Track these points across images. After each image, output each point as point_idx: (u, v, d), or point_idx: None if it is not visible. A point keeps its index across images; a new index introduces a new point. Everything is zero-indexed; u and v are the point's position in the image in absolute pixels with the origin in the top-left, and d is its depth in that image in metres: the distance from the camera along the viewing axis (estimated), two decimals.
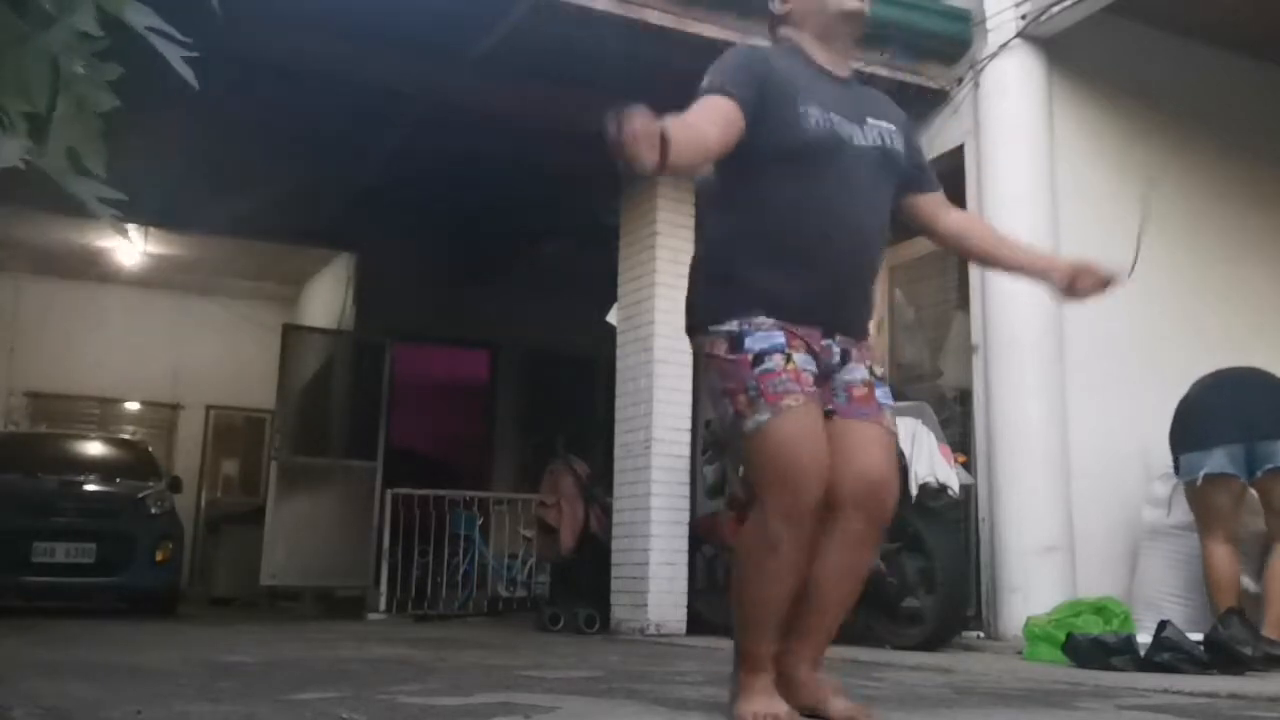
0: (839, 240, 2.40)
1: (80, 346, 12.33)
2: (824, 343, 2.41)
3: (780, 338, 2.32)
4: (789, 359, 2.30)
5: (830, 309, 2.42)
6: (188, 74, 1.54)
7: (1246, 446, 4.51)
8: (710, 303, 2.42)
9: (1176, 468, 4.78)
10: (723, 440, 2.42)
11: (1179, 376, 5.59)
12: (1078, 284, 2.52)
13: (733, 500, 5.72)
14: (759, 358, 2.30)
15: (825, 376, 2.41)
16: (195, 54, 1.56)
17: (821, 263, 2.39)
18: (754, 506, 2.36)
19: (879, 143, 2.49)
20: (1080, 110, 5.69)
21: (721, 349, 2.35)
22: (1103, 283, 2.54)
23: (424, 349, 10.75)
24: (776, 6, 2.58)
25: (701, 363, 2.46)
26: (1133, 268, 2.62)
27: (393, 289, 10.05)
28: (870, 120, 2.51)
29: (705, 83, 2.38)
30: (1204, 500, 4.60)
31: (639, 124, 1.96)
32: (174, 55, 1.53)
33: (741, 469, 2.40)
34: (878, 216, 2.51)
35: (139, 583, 8.29)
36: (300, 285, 12.98)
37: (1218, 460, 4.52)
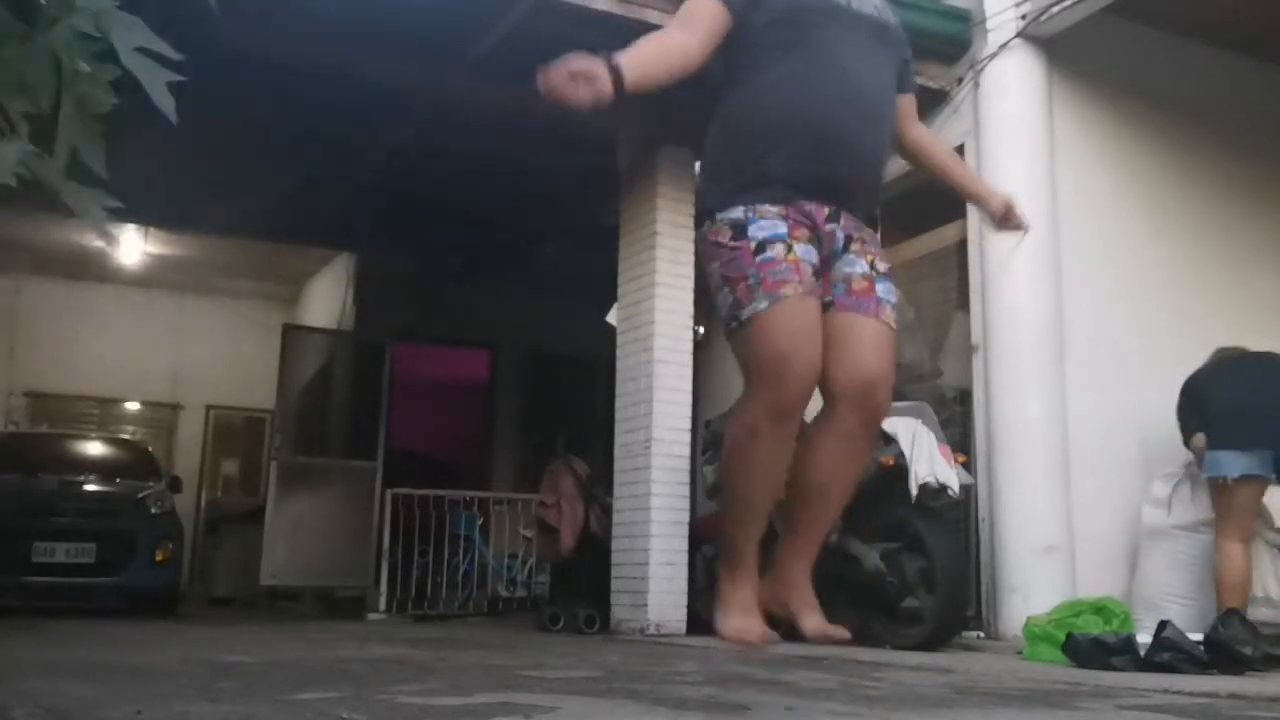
0: (841, 103, 2.39)
1: (80, 346, 12.33)
2: (828, 227, 2.40)
3: (783, 227, 2.33)
4: (790, 249, 2.31)
5: (834, 181, 2.40)
6: (169, 108, 1.53)
7: (1276, 452, 4.55)
8: (717, 188, 2.43)
9: (1187, 443, 4.78)
10: (723, 332, 2.46)
11: (1179, 376, 5.60)
12: (1008, 218, 2.76)
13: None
14: (761, 246, 2.30)
15: (826, 263, 2.40)
16: (182, 78, 1.55)
17: (826, 130, 2.37)
18: (741, 399, 2.38)
19: (874, 13, 2.52)
20: (1080, 110, 5.69)
21: (725, 236, 2.36)
22: (1020, 224, 2.78)
23: (424, 349, 10.76)
24: None
25: (703, 251, 2.46)
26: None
27: (393, 289, 10.05)
28: None
29: None
30: (1230, 498, 4.61)
31: (569, 65, 2.00)
32: (157, 85, 1.52)
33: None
34: (881, 82, 2.50)
35: (139, 583, 8.29)
36: (300, 285, 12.98)
37: (1255, 462, 4.54)
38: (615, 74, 2.05)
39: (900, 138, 2.72)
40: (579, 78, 2.01)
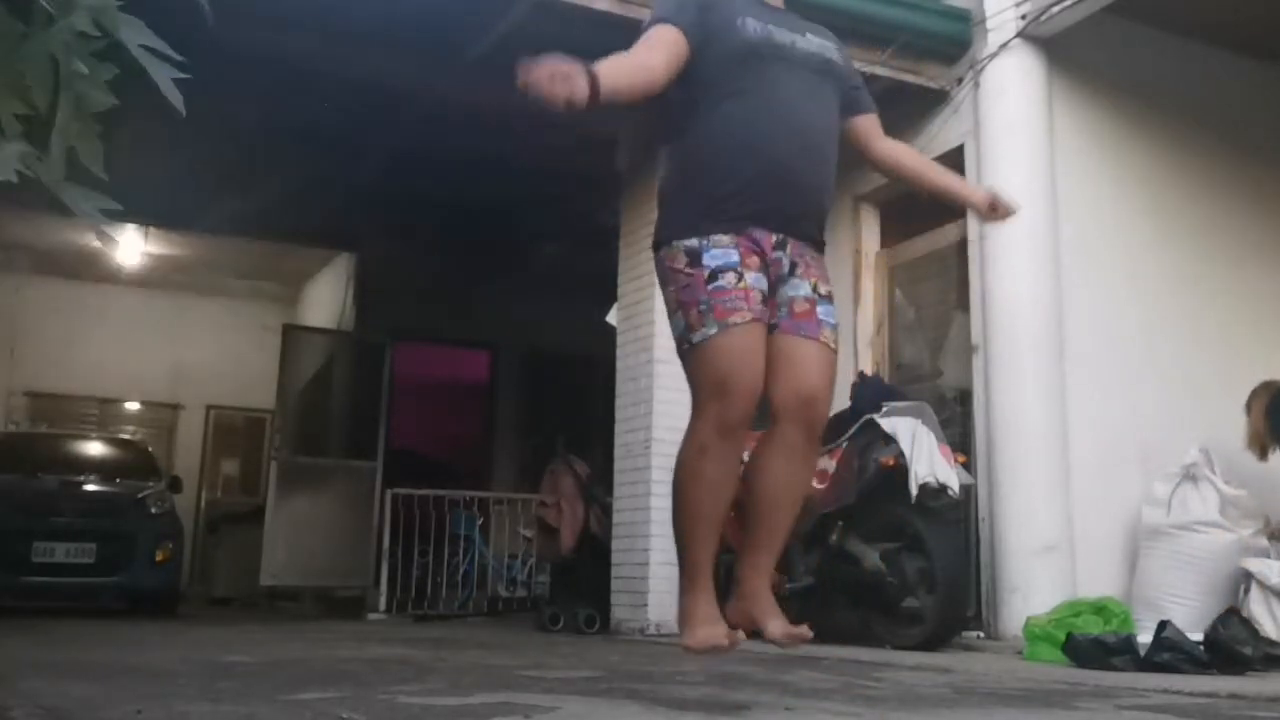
0: (787, 140, 2.56)
1: (80, 346, 12.33)
2: (775, 254, 2.56)
3: (735, 255, 2.48)
4: (741, 278, 2.47)
5: (782, 211, 2.56)
6: (176, 100, 1.54)
7: None
8: (673, 217, 2.58)
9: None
10: (677, 351, 2.60)
11: (1179, 376, 5.61)
12: (995, 208, 2.87)
13: (732, 500, 5.71)
14: (713, 274, 2.46)
15: (773, 288, 2.56)
16: (186, 75, 1.56)
17: (772, 164, 2.53)
18: (691, 418, 2.55)
19: (819, 52, 2.69)
20: (1080, 110, 5.69)
21: (681, 262, 2.52)
22: (1007, 211, 2.89)
23: (424, 349, 10.75)
24: None
25: (660, 274, 2.61)
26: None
27: (393, 289, 10.05)
28: (809, 35, 2.71)
29: (651, 15, 2.61)
30: None
31: (549, 65, 2.11)
32: (164, 78, 1.53)
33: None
34: (825, 119, 2.68)
35: (139, 583, 8.29)
36: (300, 285, 12.98)
37: None
38: (591, 80, 2.17)
39: (869, 154, 2.89)
40: (558, 76, 2.11)
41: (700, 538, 2.53)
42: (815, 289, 2.60)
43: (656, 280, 2.65)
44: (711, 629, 2.43)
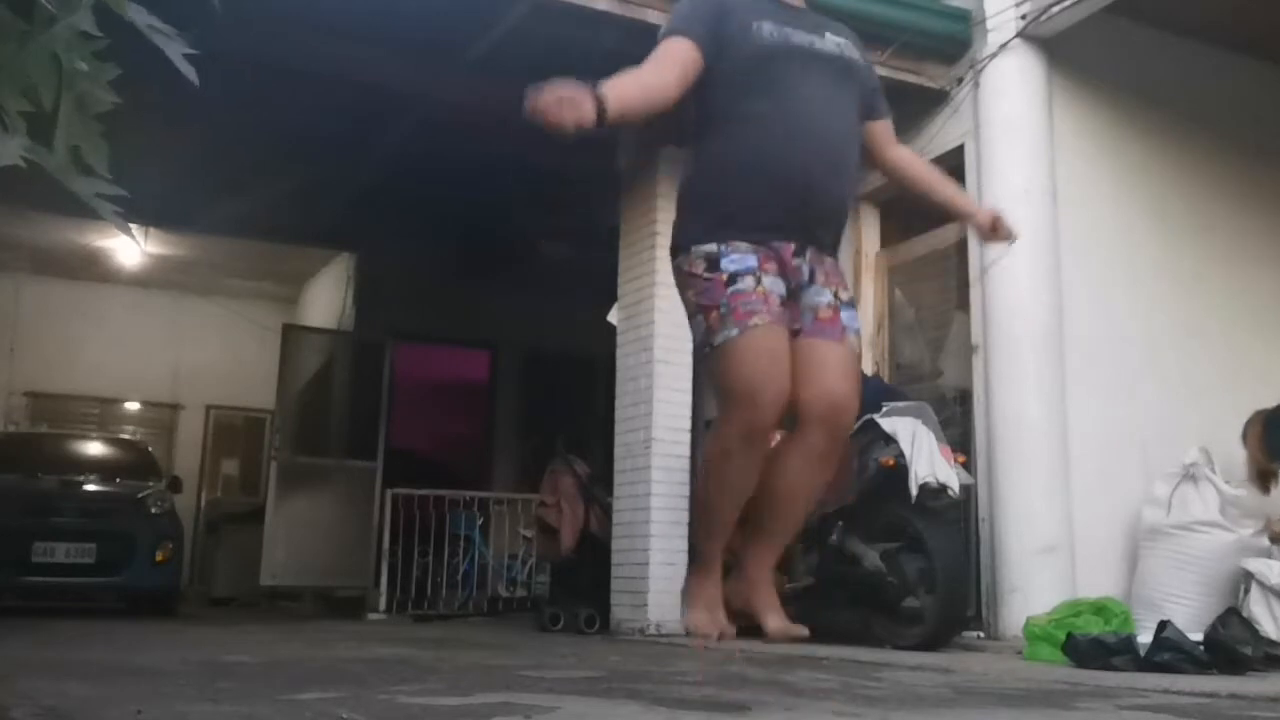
0: (807, 148, 2.55)
1: (80, 346, 12.33)
2: (795, 262, 2.57)
3: (753, 260, 2.49)
4: (759, 281, 2.47)
5: (801, 221, 2.57)
6: (189, 72, 1.55)
7: None
8: (692, 224, 2.61)
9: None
10: (695, 357, 2.66)
11: (1179, 376, 5.61)
12: (994, 229, 2.85)
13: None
14: (732, 278, 2.47)
15: (794, 295, 2.56)
16: (195, 52, 1.57)
17: (792, 170, 2.53)
18: (715, 420, 2.56)
19: (838, 52, 2.66)
20: (1080, 110, 5.69)
21: (700, 268, 2.53)
22: (1007, 235, 2.88)
23: (424, 349, 10.76)
24: None
25: (678, 281, 2.63)
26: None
27: (393, 289, 10.05)
28: (829, 34, 2.68)
29: (664, 26, 2.60)
30: None
31: (556, 91, 2.15)
32: (175, 53, 1.54)
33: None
34: (845, 123, 2.66)
35: (139, 583, 8.29)
36: (300, 285, 12.98)
37: None
38: (599, 102, 2.20)
39: (879, 161, 2.88)
40: (565, 102, 2.15)
41: (715, 531, 2.59)
42: (836, 295, 2.62)
43: (674, 285, 2.66)
44: (709, 615, 2.51)
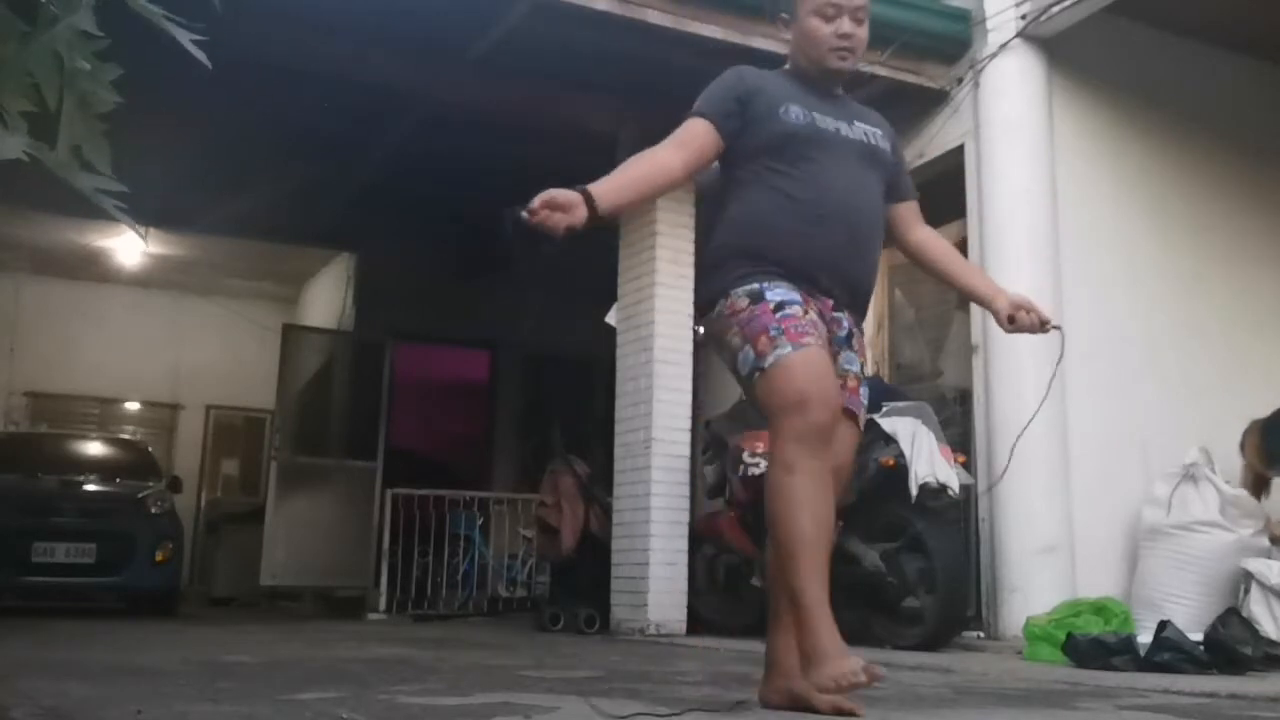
0: (835, 220, 2.54)
1: (80, 346, 12.32)
2: (835, 314, 2.57)
3: (797, 294, 2.48)
4: (807, 311, 2.46)
5: (833, 286, 2.56)
6: (200, 55, 1.55)
7: None
8: (728, 272, 2.55)
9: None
10: (740, 385, 2.53)
11: (1179, 376, 5.61)
12: (1018, 318, 2.73)
13: (732, 500, 5.72)
14: (780, 305, 2.44)
15: (833, 348, 2.55)
16: (204, 38, 1.57)
17: (820, 242, 2.52)
18: (772, 442, 2.42)
19: (864, 139, 2.67)
20: (1080, 110, 5.69)
21: (743, 304, 2.48)
22: (1040, 323, 2.75)
23: (424, 349, 10.75)
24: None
25: (718, 329, 2.55)
26: (1059, 328, 2.85)
27: (393, 289, 10.05)
28: (857, 122, 2.68)
29: (695, 105, 2.62)
30: None
31: (548, 197, 2.21)
32: (185, 38, 1.54)
33: (756, 406, 2.53)
34: (872, 200, 2.65)
35: (139, 583, 8.29)
36: (300, 285, 12.97)
37: None
38: (589, 201, 2.26)
39: (903, 243, 2.86)
40: (557, 207, 2.22)
41: (806, 567, 2.29)
42: (863, 368, 2.64)
43: (709, 341, 2.60)
44: (845, 664, 2.22)
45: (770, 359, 2.38)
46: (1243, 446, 5.28)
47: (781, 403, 2.37)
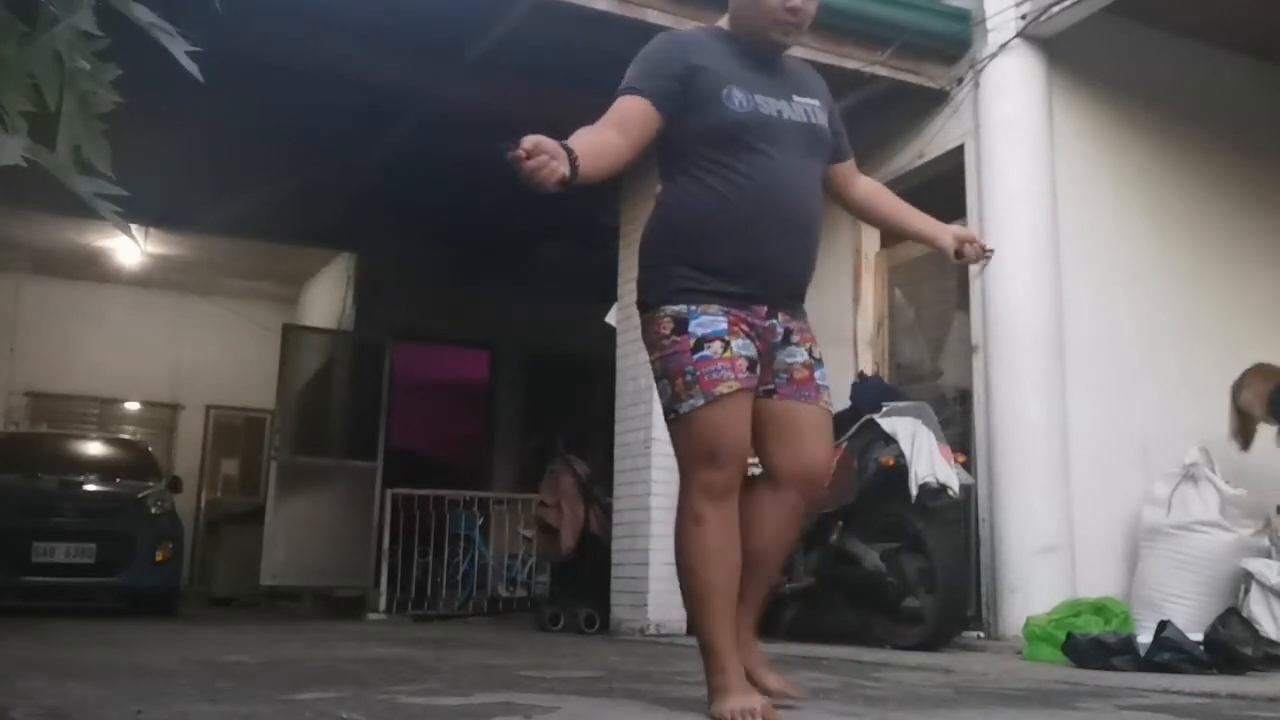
0: (776, 218, 2.51)
1: (80, 346, 12.33)
2: (768, 323, 2.54)
3: (723, 323, 2.44)
4: (727, 346, 2.43)
5: (770, 288, 2.54)
6: (193, 68, 1.55)
7: None
8: (658, 282, 2.52)
9: None
10: (664, 419, 2.57)
11: (1179, 376, 5.61)
12: (964, 250, 2.81)
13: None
14: (699, 343, 2.42)
15: (766, 356, 2.53)
16: (199, 49, 1.57)
17: (760, 241, 2.49)
18: (680, 490, 2.54)
19: (805, 119, 2.60)
20: (1080, 110, 5.69)
21: (667, 329, 2.47)
22: (981, 250, 2.84)
23: (424, 349, 10.76)
24: None
25: (646, 338, 2.56)
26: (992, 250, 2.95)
27: (393, 289, 10.06)
28: (796, 98, 2.61)
29: (624, 79, 2.52)
30: None
31: (541, 147, 2.09)
32: (179, 50, 1.54)
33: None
34: (812, 193, 2.63)
35: (139, 583, 8.29)
36: (300, 285, 12.98)
37: None
38: (572, 161, 2.16)
39: (845, 199, 2.87)
40: (548, 153, 2.10)
41: (716, 614, 2.42)
42: (810, 353, 2.60)
43: (644, 341, 2.58)
44: (744, 700, 2.32)
45: (684, 408, 2.43)
46: (1237, 389, 5.16)
47: (690, 455, 2.47)
